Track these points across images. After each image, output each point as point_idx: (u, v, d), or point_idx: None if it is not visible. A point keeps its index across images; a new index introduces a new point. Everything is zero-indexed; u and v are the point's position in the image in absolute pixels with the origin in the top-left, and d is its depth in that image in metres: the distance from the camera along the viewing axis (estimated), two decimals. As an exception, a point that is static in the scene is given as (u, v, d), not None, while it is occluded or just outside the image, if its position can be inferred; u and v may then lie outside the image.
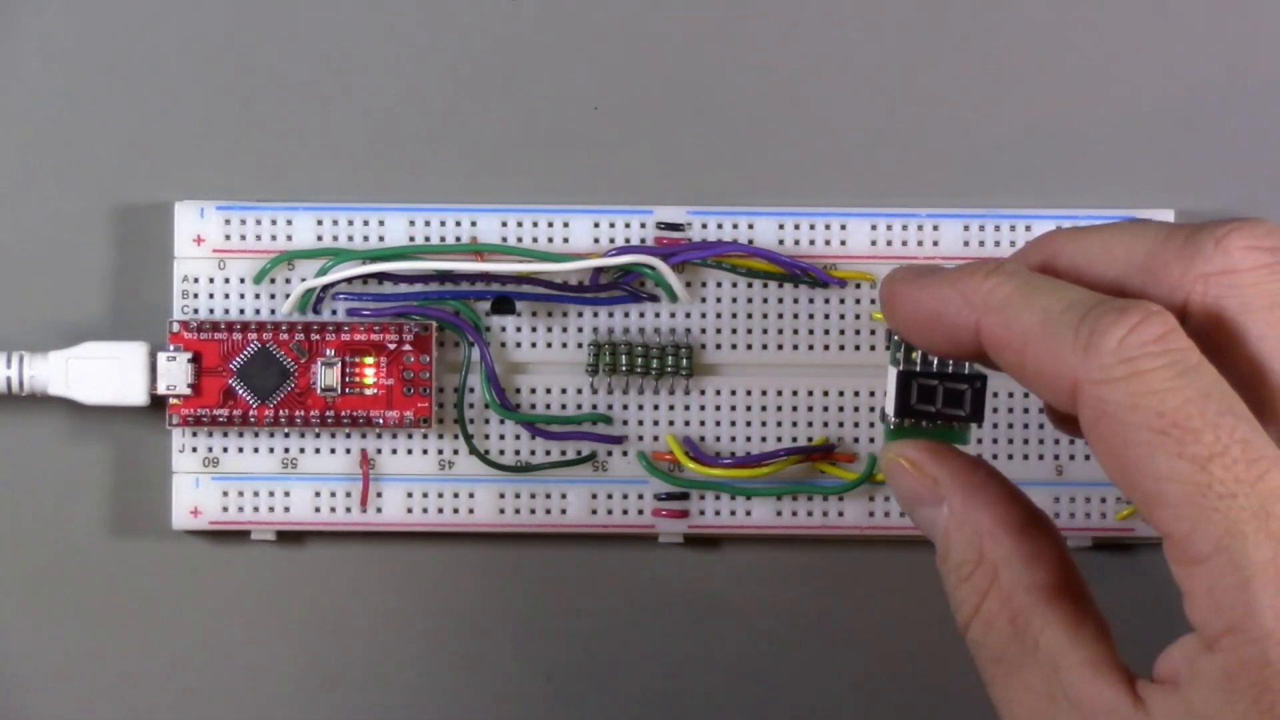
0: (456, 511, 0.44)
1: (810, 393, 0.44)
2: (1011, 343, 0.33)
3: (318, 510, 0.44)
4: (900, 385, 0.36)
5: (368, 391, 0.43)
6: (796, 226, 0.44)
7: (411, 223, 0.44)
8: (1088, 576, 0.34)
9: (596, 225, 0.44)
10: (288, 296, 0.44)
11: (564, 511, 0.44)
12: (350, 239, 0.44)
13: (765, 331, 0.44)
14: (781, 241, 0.44)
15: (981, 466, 0.35)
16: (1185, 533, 0.30)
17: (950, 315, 0.34)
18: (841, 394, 0.44)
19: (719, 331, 0.44)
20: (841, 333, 0.44)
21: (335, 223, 0.44)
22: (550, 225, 0.44)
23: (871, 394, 0.44)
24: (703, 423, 0.44)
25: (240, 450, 0.44)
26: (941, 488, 0.35)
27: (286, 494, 0.44)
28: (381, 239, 0.44)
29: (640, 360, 0.44)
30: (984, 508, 0.34)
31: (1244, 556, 0.30)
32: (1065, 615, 0.33)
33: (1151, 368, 0.31)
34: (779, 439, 0.44)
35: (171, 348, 0.43)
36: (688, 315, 0.44)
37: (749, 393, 0.44)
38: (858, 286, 0.44)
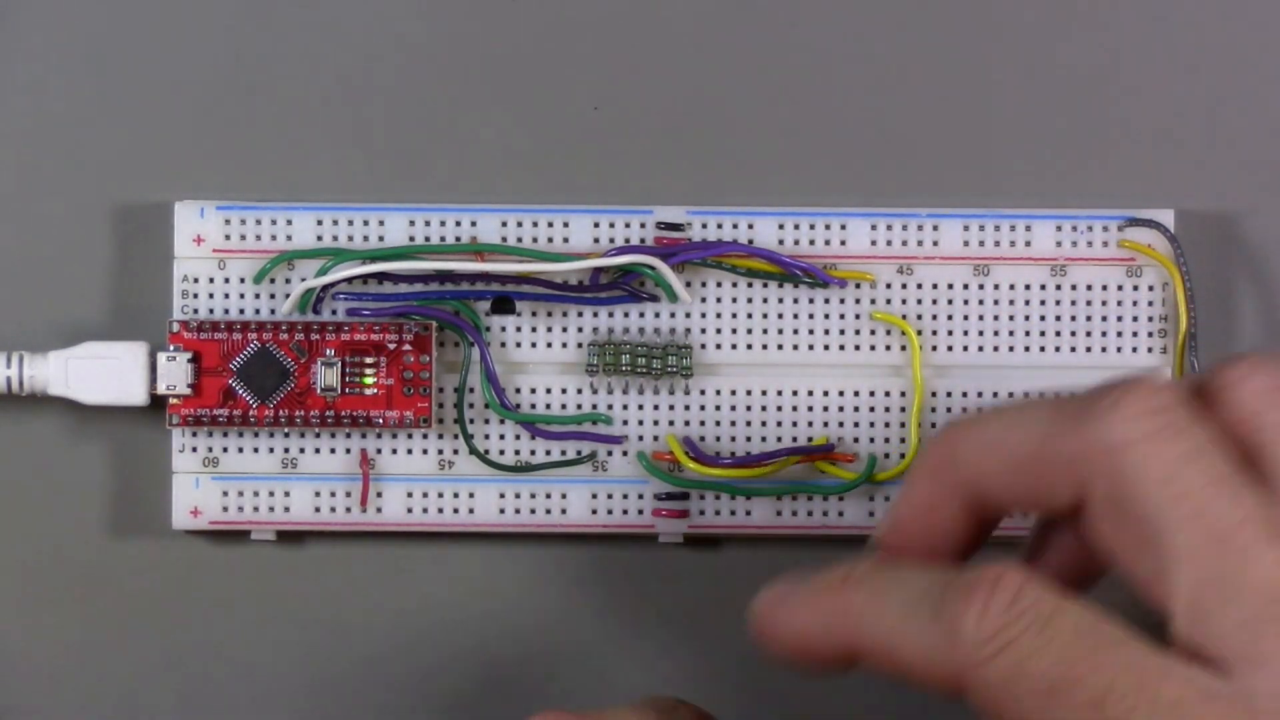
0: (456, 511, 0.44)
1: (810, 393, 0.44)
2: (881, 652, 0.32)
3: (318, 510, 0.44)
4: None
5: (368, 391, 0.43)
6: (796, 226, 0.44)
7: (411, 223, 0.44)
8: None
9: (596, 225, 0.44)
10: (288, 296, 0.44)
11: (564, 511, 0.44)
12: (350, 239, 0.44)
13: (765, 331, 0.44)
14: (781, 241, 0.44)
15: None
16: None
17: (821, 643, 0.33)
18: (841, 394, 0.44)
19: (719, 331, 0.44)
20: (841, 333, 0.44)
21: (335, 223, 0.44)
22: (550, 225, 0.44)
23: (871, 394, 0.44)
24: (702, 423, 0.44)
25: (240, 450, 0.44)
26: None
27: (286, 494, 0.44)
28: (381, 239, 0.44)
29: (640, 360, 0.44)
30: None
31: None
32: None
33: (1016, 634, 0.30)
34: (779, 439, 0.44)
35: (171, 348, 0.43)
36: (687, 315, 0.44)
37: (749, 393, 0.44)
38: (858, 286, 0.44)
